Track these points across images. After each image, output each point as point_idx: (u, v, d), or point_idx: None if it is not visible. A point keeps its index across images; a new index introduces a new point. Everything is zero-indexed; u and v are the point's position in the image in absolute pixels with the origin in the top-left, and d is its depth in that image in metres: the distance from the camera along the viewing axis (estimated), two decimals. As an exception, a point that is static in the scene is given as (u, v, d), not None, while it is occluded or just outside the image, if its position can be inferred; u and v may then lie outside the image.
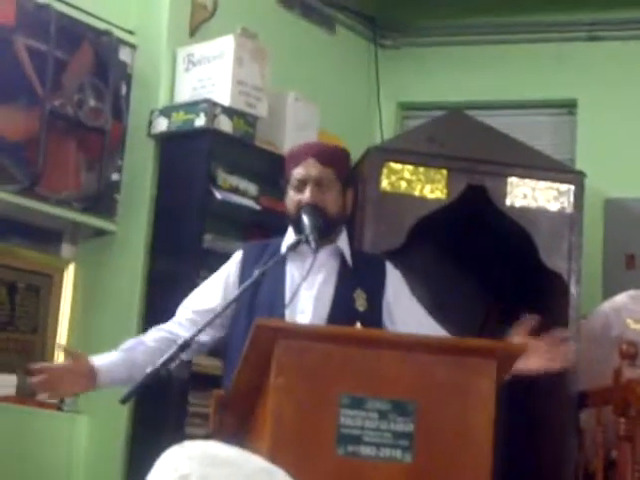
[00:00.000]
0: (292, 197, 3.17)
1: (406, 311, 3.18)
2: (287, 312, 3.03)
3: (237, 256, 3.26)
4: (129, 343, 3.18)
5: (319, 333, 2.64)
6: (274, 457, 2.41)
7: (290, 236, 3.19)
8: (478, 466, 2.45)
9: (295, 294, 3.01)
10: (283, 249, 3.13)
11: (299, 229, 3.11)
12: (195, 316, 3.19)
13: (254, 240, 4.33)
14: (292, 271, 3.13)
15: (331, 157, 3.21)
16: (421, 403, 2.47)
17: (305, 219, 3.07)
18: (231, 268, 3.24)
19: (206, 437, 3.27)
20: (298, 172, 3.16)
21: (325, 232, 3.10)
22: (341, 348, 2.50)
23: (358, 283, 3.15)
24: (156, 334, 3.20)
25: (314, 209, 3.10)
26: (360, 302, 3.12)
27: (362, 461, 2.44)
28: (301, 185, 3.14)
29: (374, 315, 3.12)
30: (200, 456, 1.33)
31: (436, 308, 5.14)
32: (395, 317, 3.16)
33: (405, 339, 2.70)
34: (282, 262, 3.12)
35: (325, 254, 3.14)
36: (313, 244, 3.00)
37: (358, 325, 2.97)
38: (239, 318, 3.12)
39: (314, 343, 2.50)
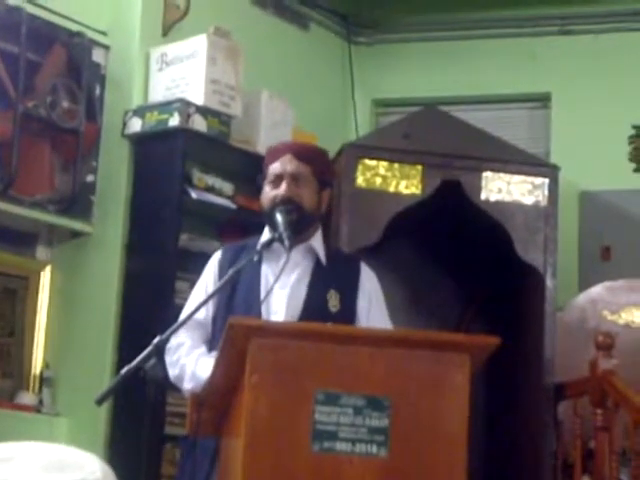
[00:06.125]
0: (268, 192, 3.14)
1: (374, 321, 3.14)
2: (263, 312, 3.03)
3: (214, 259, 3.23)
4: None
5: (293, 330, 2.64)
6: (250, 454, 2.44)
7: (266, 234, 3.17)
8: (452, 460, 2.46)
9: (268, 294, 3.00)
10: (259, 248, 3.12)
11: (273, 226, 3.10)
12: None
13: (230, 238, 4.33)
14: (266, 270, 3.11)
15: (308, 154, 3.20)
16: (395, 398, 2.48)
17: (278, 217, 3.06)
18: (209, 276, 3.20)
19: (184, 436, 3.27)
20: (275, 167, 3.14)
21: (299, 227, 3.08)
22: (315, 345, 2.50)
23: (332, 283, 3.13)
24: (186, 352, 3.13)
25: (288, 203, 3.08)
26: (333, 303, 3.10)
27: (338, 457, 2.44)
28: (277, 180, 3.13)
29: (347, 316, 3.08)
30: None
31: (413, 304, 5.19)
32: (362, 323, 3.14)
33: (378, 334, 2.71)
34: (258, 261, 3.10)
35: (299, 253, 3.12)
36: (287, 242, 2.99)
37: (330, 326, 2.95)
38: (218, 318, 3.11)
39: (288, 340, 2.51)
